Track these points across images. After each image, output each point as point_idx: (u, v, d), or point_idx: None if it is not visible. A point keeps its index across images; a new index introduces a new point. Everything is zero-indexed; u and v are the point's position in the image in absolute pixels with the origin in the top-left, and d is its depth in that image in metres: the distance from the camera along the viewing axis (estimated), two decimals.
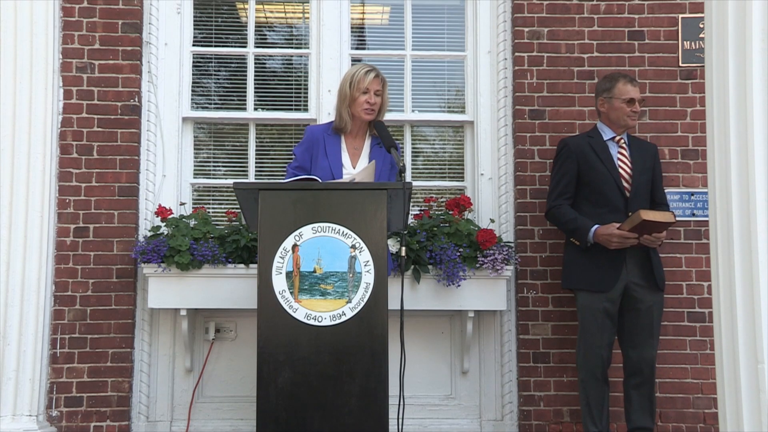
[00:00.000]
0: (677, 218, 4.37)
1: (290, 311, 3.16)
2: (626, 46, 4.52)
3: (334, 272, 3.19)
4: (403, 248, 3.34)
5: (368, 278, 3.18)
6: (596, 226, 3.88)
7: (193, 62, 4.66)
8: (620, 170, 3.99)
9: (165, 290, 4.15)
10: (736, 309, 2.53)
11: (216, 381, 4.34)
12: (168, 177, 4.48)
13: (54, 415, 4.20)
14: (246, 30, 4.72)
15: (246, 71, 4.67)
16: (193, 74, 4.65)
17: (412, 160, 4.70)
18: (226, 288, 4.14)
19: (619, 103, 4.02)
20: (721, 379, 2.60)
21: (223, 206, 4.55)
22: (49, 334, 4.19)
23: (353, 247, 3.20)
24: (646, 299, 3.91)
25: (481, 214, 4.48)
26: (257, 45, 4.73)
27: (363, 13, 4.80)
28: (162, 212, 4.23)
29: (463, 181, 4.65)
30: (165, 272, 4.12)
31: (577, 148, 4.03)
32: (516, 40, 4.52)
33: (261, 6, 4.75)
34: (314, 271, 3.19)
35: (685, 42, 4.53)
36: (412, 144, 4.71)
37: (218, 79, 4.78)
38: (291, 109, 4.68)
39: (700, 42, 4.47)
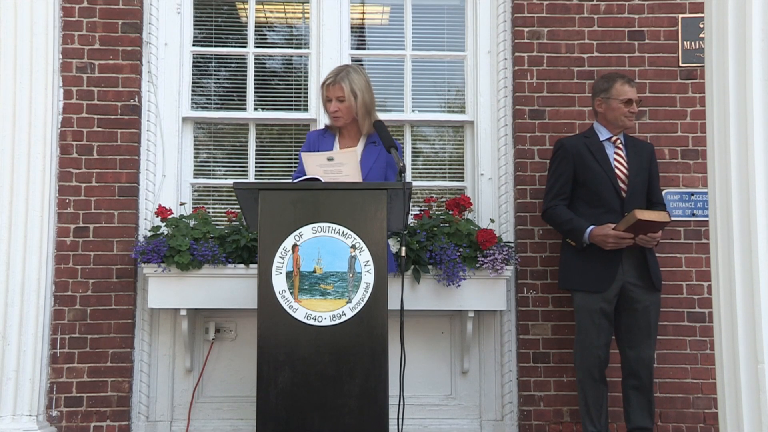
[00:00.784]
0: (677, 218, 4.39)
1: (290, 311, 3.16)
2: (626, 46, 4.52)
3: (334, 272, 3.19)
4: (403, 248, 3.34)
5: (368, 278, 3.18)
6: (591, 226, 3.89)
7: (193, 62, 4.66)
8: (616, 171, 3.99)
9: (165, 290, 4.15)
10: (736, 309, 2.53)
11: (216, 381, 4.34)
12: (168, 177, 4.48)
13: (54, 415, 4.20)
14: (246, 30, 4.72)
15: (246, 71, 4.67)
16: (193, 74, 4.65)
17: (412, 160, 4.70)
18: (226, 288, 4.14)
19: (616, 104, 4.02)
20: (721, 379, 2.60)
21: (223, 206, 4.55)
22: (49, 334, 4.19)
23: (353, 247, 3.20)
24: (643, 299, 3.91)
25: (481, 214, 4.48)
26: (257, 45, 4.73)
27: (363, 13, 4.80)
28: (162, 212, 4.23)
29: (463, 181, 4.65)
30: (165, 272, 4.12)
31: (573, 148, 4.03)
32: (516, 40, 4.52)
33: (261, 6, 4.75)
34: (314, 271, 3.19)
35: (685, 42, 4.53)
36: (412, 144, 4.71)
37: (218, 79, 4.78)
38: (291, 109, 4.69)
39: (700, 42, 4.47)
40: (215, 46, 4.72)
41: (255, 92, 4.66)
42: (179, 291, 4.14)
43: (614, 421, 4.14)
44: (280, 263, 3.18)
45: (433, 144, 4.83)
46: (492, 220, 4.40)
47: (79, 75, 4.40)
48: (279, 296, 3.17)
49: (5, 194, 4.05)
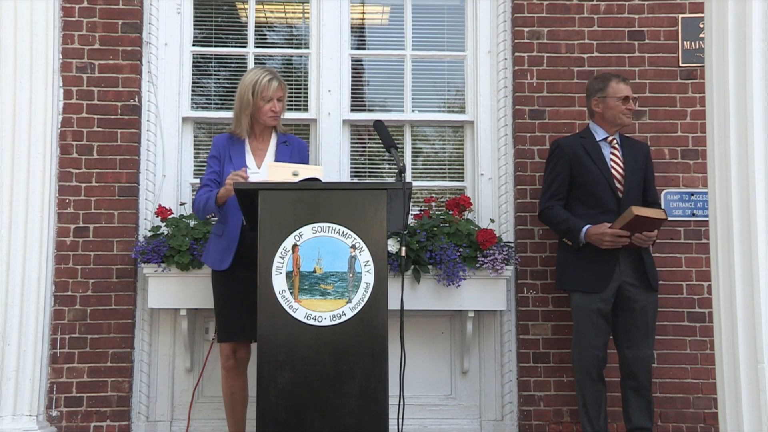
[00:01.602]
0: (677, 218, 4.39)
1: (290, 311, 3.16)
2: (626, 46, 4.52)
3: (334, 272, 3.19)
4: (403, 248, 3.34)
5: (368, 278, 3.18)
6: (588, 226, 3.89)
7: (193, 62, 4.66)
8: (613, 171, 3.99)
9: (165, 290, 4.15)
10: (736, 309, 2.53)
11: (216, 381, 4.32)
12: (168, 177, 4.48)
13: (54, 415, 4.20)
14: (246, 30, 4.72)
15: (246, 71, 4.66)
16: (193, 74, 4.65)
17: (412, 160, 4.70)
18: None
19: (614, 102, 4.02)
20: (721, 379, 2.61)
21: None
22: (49, 334, 4.19)
23: (353, 247, 3.20)
24: (640, 299, 3.91)
25: (481, 214, 4.48)
26: (257, 45, 4.73)
27: (363, 13, 4.80)
28: (162, 212, 4.23)
29: (463, 181, 4.65)
30: (165, 272, 4.12)
31: (570, 149, 4.03)
32: (516, 40, 4.52)
33: (261, 6, 4.75)
34: (314, 271, 3.19)
35: (685, 42, 4.53)
36: (412, 144, 4.71)
37: (218, 79, 4.78)
38: (291, 109, 4.68)
39: (700, 42, 4.47)
40: (215, 46, 4.72)
41: None
42: (179, 291, 4.14)
43: (614, 421, 4.14)
44: (280, 263, 3.18)
45: (433, 144, 4.83)
46: (492, 220, 4.40)
47: (79, 75, 4.40)
48: (279, 296, 3.17)
49: (5, 194, 4.05)
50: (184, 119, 4.57)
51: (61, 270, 4.28)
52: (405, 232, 3.46)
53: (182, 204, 4.41)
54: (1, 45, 4.11)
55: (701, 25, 4.47)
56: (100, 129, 4.38)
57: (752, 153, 2.52)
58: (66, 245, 4.29)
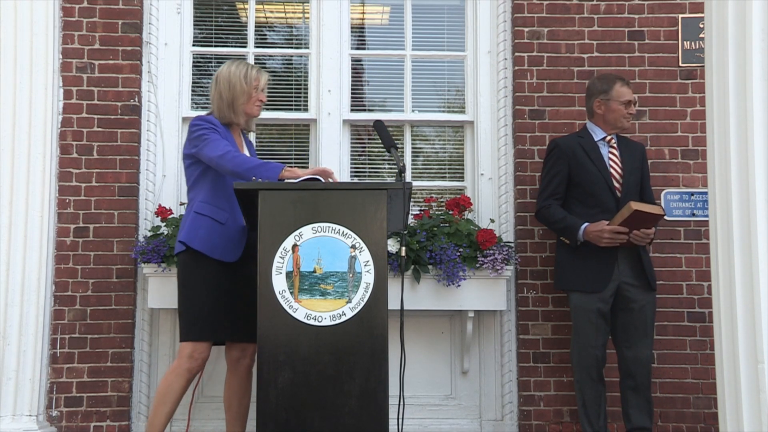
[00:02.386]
0: (678, 218, 4.39)
1: (290, 311, 3.16)
2: (626, 46, 4.52)
3: (334, 272, 3.19)
4: (403, 248, 3.34)
5: (368, 278, 3.18)
6: (586, 224, 3.89)
7: (193, 62, 4.66)
8: (611, 170, 3.99)
9: (165, 290, 4.14)
10: (736, 309, 2.53)
11: (216, 381, 4.33)
12: (168, 177, 4.48)
13: (54, 415, 4.20)
14: (246, 30, 4.72)
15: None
16: (193, 74, 4.65)
17: (412, 160, 4.70)
18: None
19: (617, 105, 4.01)
20: (721, 379, 2.61)
21: None
22: (49, 334, 4.19)
23: (353, 247, 3.20)
24: (639, 299, 3.91)
25: (481, 214, 4.48)
26: (257, 45, 4.73)
27: (363, 13, 4.80)
28: (162, 212, 4.23)
29: (463, 181, 4.65)
30: (165, 272, 4.12)
31: (568, 149, 4.03)
32: (516, 40, 4.52)
33: (261, 6, 4.75)
34: (314, 271, 3.19)
35: (685, 42, 4.53)
36: (412, 144, 4.71)
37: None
38: (291, 109, 4.69)
39: (700, 42, 4.47)
40: (215, 46, 4.72)
41: None
42: None
43: (614, 421, 4.14)
44: (280, 263, 3.18)
45: (433, 144, 4.83)
46: (492, 220, 4.40)
47: (79, 75, 4.40)
48: (279, 296, 3.17)
49: (5, 194, 4.06)
50: (184, 119, 4.56)
51: (61, 270, 4.28)
52: (405, 232, 3.46)
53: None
54: (1, 45, 4.11)
55: (701, 25, 4.47)
56: (100, 129, 4.38)
57: (752, 153, 2.52)
58: (66, 245, 4.29)
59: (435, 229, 4.25)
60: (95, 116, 4.38)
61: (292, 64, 4.79)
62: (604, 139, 4.06)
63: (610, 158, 4.02)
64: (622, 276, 3.90)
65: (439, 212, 4.36)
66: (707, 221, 3.62)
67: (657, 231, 4.00)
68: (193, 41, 4.67)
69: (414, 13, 4.73)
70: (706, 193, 4.31)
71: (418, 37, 4.73)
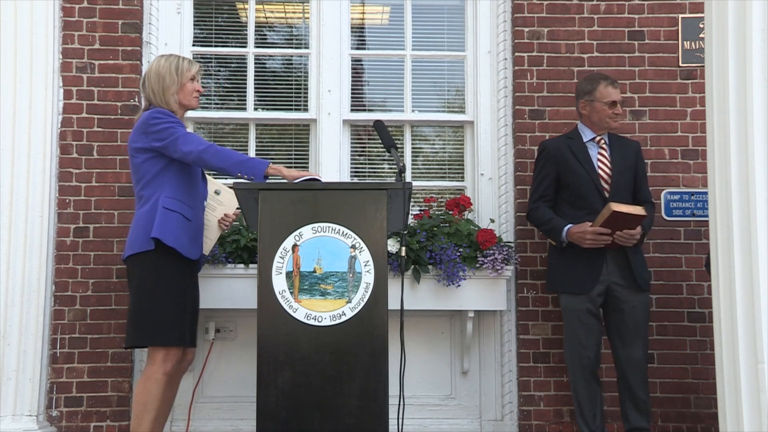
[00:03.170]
0: (678, 218, 4.39)
1: (290, 311, 3.16)
2: (626, 46, 4.52)
3: (334, 272, 3.19)
4: (403, 248, 3.34)
5: (368, 278, 3.18)
6: (569, 225, 3.89)
7: None
8: (599, 171, 3.98)
9: None
10: (736, 309, 2.53)
11: (216, 381, 4.34)
12: None
13: (54, 415, 4.20)
14: (246, 30, 4.72)
15: (246, 71, 4.67)
16: None
17: (412, 160, 4.70)
18: (226, 288, 4.14)
19: (600, 106, 4.01)
20: (721, 379, 2.60)
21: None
22: (49, 334, 4.19)
23: (353, 247, 3.20)
24: (629, 299, 3.90)
25: (481, 214, 4.48)
26: (257, 45, 4.73)
27: (363, 13, 4.80)
28: None
29: (463, 181, 4.65)
30: None
31: (557, 151, 4.03)
32: (516, 40, 4.52)
33: (261, 6, 4.75)
34: (314, 271, 3.19)
35: (685, 42, 4.53)
36: (412, 144, 4.71)
37: (218, 79, 4.78)
38: (291, 109, 4.69)
39: (700, 42, 4.47)
40: (215, 46, 4.72)
41: (255, 92, 4.67)
42: None
43: (614, 421, 4.14)
44: (280, 263, 3.18)
45: (433, 144, 4.83)
46: (492, 220, 4.40)
47: (79, 75, 4.40)
48: (279, 296, 3.17)
49: (5, 194, 4.06)
50: (184, 119, 4.56)
51: (61, 270, 4.28)
52: (405, 232, 3.46)
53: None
54: (1, 45, 4.11)
55: (701, 25, 4.47)
56: (100, 129, 4.38)
57: (752, 153, 2.52)
58: (66, 245, 4.29)
59: (435, 229, 4.25)
60: (95, 116, 4.38)
61: (292, 64, 4.79)
62: (593, 139, 4.05)
63: (599, 159, 4.01)
64: (611, 276, 3.90)
65: (439, 212, 4.36)
66: (707, 221, 3.62)
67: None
68: (193, 41, 4.67)
69: (414, 13, 4.73)
70: (706, 193, 4.30)
71: (418, 37, 4.73)
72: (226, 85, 4.76)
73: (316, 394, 3.12)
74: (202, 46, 4.70)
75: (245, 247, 4.17)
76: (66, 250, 4.29)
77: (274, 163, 3.45)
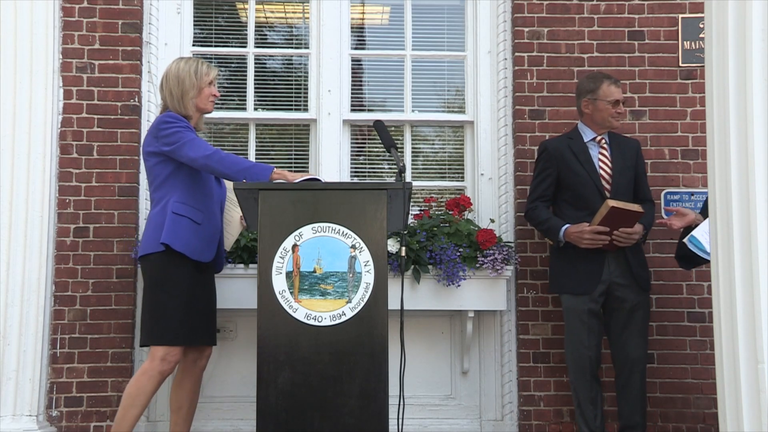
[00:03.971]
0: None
1: (290, 311, 3.16)
2: (626, 46, 4.52)
3: (334, 272, 3.19)
4: (403, 248, 3.34)
5: (368, 278, 3.18)
6: (567, 225, 3.89)
7: None
8: (600, 171, 3.98)
9: None
10: (736, 309, 2.53)
11: (216, 381, 4.34)
12: None
13: (54, 415, 4.20)
14: (246, 30, 4.72)
15: (246, 71, 4.67)
16: None
17: (412, 160, 4.70)
18: (226, 288, 4.14)
19: (603, 105, 4.00)
20: (721, 379, 2.60)
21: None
22: (49, 334, 4.19)
23: (353, 247, 3.20)
24: (630, 299, 3.91)
25: (481, 214, 4.48)
26: (257, 45, 4.73)
27: (363, 13, 4.80)
28: None
29: (463, 181, 4.65)
30: None
31: (557, 151, 4.03)
32: (516, 40, 4.52)
33: (261, 6, 4.75)
34: (314, 271, 3.19)
35: (685, 42, 4.53)
36: (412, 144, 4.71)
37: (218, 79, 4.77)
38: (291, 109, 4.69)
39: (700, 42, 4.47)
40: (215, 46, 4.72)
41: (255, 92, 4.67)
42: None
43: (614, 420, 4.14)
44: (280, 263, 3.18)
45: (433, 144, 4.83)
46: (492, 220, 4.40)
47: (79, 75, 4.40)
48: (279, 296, 3.17)
49: (5, 194, 4.06)
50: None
51: (61, 270, 4.28)
52: (405, 232, 3.46)
53: None
54: (1, 45, 4.11)
55: (701, 25, 4.47)
56: (100, 129, 4.38)
57: (752, 153, 2.52)
58: (66, 245, 4.29)
59: (435, 229, 4.25)
60: (95, 116, 4.38)
61: (292, 64, 4.79)
62: (594, 139, 4.05)
63: (599, 159, 4.01)
64: (613, 276, 3.90)
65: (439, 212, 4.36)
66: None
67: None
68: (193, 41, 4.67)
69: (414, 13, 4.73)
70: (706, 193, 4.30)
71: (418, 37, 4.73)
72: (226, 85, 4.76)
73: (316, 394, 3.12)
74: (202, 46, 4.70)
75: (245, 247, 4.17)
76: (66, 250, 4.29)
77: (274, 163, 3.45)
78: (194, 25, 4.68)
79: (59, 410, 4.21)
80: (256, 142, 4.64)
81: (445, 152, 4.79)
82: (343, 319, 3.16)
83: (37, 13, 4.19)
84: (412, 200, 3.88)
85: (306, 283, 3.18)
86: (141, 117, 4.44)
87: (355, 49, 4.75)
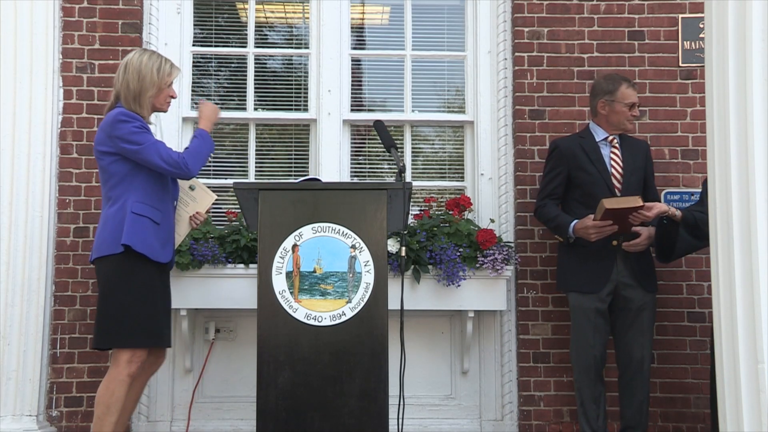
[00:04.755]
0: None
1: (290, 311, 3.16)
2: (626, 46, 4.52)
3: (334, 272, 3.19)
4: (403, 248, 3.35)
5: (368, 278, 3.18)
6: (575, 221, 3.89)
7: (193, 62, 4.66)
8: (612, 171, 3.98)
9: None
10: (736, 309, 2.52)
11: (216, 381, 4.34)
12: None
13: (54, 415, 4.20)
14: (246, 30, 4.72)
15: (246, 71, 4.67)
16: (193, 74, 4.65)
17: (412, 160, 4.70)
18: (226, 288, 4.14)
19: (621, 107, 4.00)
20: (721, 379, 2.60)
21: (223, 206, 4.54)
22: (49, 334, 4.19)
23: (353, 247, 3.20)
24: (637, 299, 3.91)
25: (481, 214, 4.48)
26: (257, 45, 4.73)
27: (363, 13, 4.80)
28: None
29: (463, 181, 4.65)
30: None
31: (568, 150, 4.02)
32: (516, 40, 4.52)
33: (261, 6, 4.75)
34: (314, 271, 3.20)
35: (685, 42, 4.53)
36: (412, 144, 4.71)
37: (218, 79, 4.78)
38: (291, 109, 4.69)
39: (700, 42, 4.48)
40: (215, 46, 4.72)
41: (255, 92, 4.67)
42: (179, 291, 4.12)
43: (614, 420, 4.14)
44: (280, 263, 3.18)
45: (433, 144, 4.83)
46: (492, 220, 4.40)
47: (79, 75, 4.40)
48: (279, 296, 3.17)
49: (5, 194, 4.06)
50: (184, 119, 4.56)
51: (61, 270, 4.28)
52: (405, 232, 3.46)
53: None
54: (1, 45, 4.11)
55: (701, 25, 4.47)
56: None
57: (752, 153, 2.52)
58: (66, 245, 4.29)
59: (435, 229, 4.25)
60: (95, 116, 4.37)
61: (292, 64, 4.79)
62: (605, 139, 4.05)
63: (611, 159, 4.01)
64: (620, 276, 3.90)
65: (439, 212, 4.36)
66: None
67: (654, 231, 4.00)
68: (193, 41, 4.67)
69: (414, 13, 4.73)
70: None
71: (418, 37, 4.73)
72: (226, 85, 4.76)
73: (316, 394, 3.12)
74: (202, 46, 4.70)
75: (245, 247, 4.17)
76: (66, 250, 4.29)
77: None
78: (194, 25, 4.68)
79: (59, 410, 4.21)
80: (256, 142, 4.64)
81: (445, 152, 4.79)
82: (343, 319, 3.16)
83: (37, 13, 4.20)
84: (412, 200, 3.88)
85: (306, 283, 3.18)
86: None
87: (355, 49, 4.75)
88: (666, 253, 3.92)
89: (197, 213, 3.73)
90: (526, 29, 4.52)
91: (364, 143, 4.73)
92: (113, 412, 3.38)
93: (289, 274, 3.18)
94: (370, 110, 4.72)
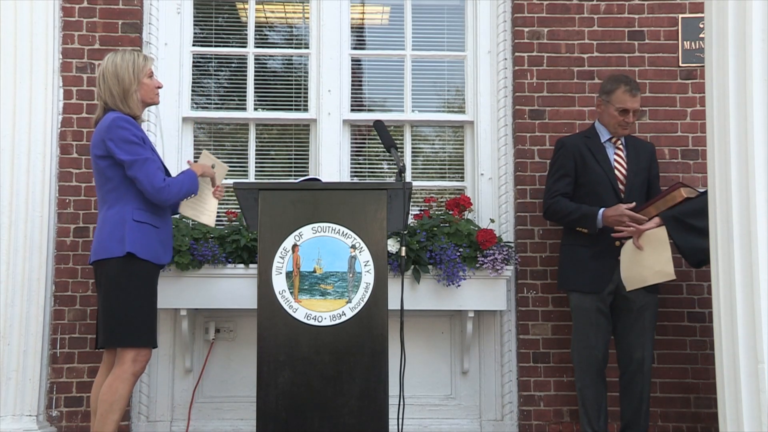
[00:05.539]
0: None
1: (290, 311, 3.16)
2: (626, 46, 4.52)
3: (334, 272, 3.19)
4: (403, 248, 3.34)
5: (368, 278, 3.18)
6: (603, 209, 3.86)
7: (193, 62, 4.66)
8: (616, 171, 3.98)
9: (165, 290, 4.13)
10: (736, 309, 2.53)
11: (216, 381, 4.34)
12: None
13: (54, 415, 4.20)
14: (246, 30, 4.72)
15: (246, 71, 4.67)
16: (193, 74, 4.65)
17: (412, 160, 4.70)
18: (226, 288, 4.14)
19: (612, 111, 3.99)
20: (721, 379, 2.60)
21: (223, 206, 4.54)
22: (49, 334, 4.19)
23: (353, 247, 3.20)
24: (638, 300, 3.90)
25: (481, 214, 4.48)
26: (257, 45, 4.73)
27: (363, 13, 4.80)
28: None
29: (463, 181, 4.65)
30: (165, 272, 4.11)
31: (574, 147, 4.03)
32: (516, 40, 4.52)
33: (261, 6, 4.75)
34: (314, 271, 3.20)
35: (685, 42, 4.53)
36: (412, 144, 4.71)
37: (218, 79, 4.78)
38: (291, 109, 4.69)
39: (700, 42, 4.48)
40: (215, 46, 4.72)
41: (255, 92, 4.66)
42: (179, 291, 4.14)
43: (615, 420, 4.14)
44: (280, 263, 3.18)
45: (433, 144, 4.83)
46: (492, 220, 4.40)
47: (79, 75, 4.40)
48: (279, 296, 3.17)
49: (5, 194, 4.06)
50: (184, 119, 4.57)
51: (61, 270, 4.28)
52: (405, 232, 3.46)
53: None
54: (1, 45, 4.11)
55: (701, 25, 4.47)
56: None
57: (752, 153, 2.52)
58: (66, 245, 4.29)
59: (435, 229, 4.25)
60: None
61: (292, 64, 4.79)
62: (610, 139, 4.05)
63: (615, 159, 4.01)
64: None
65: (439, 212, 4.36)
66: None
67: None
68: (193, 41, 4.67)
69: (414, 13, 4.73)
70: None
71: (418, 37, 4.73)
72: (226, 85, 4.76)
73: (316, 394, 3.12)
74: (202, 46, 4.70)
75: (245, 247, 4.17)
76: (66, 250, 4.29)
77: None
78: (194, 25, 4.68)
79: (59, 410, 4.21)
80: (256, 142, 4.64)
81: (445, 152, 4.79)
82: (343, 319, 3.17)
83: (37, 13, 4.20)
84: (412, 200, 3.88)
85: (306, 283, 3.18)
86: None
87: (355, 49, 4.75)
88: (686, 255, 3.89)
89: (217, 187, 3.70)
90: (526, 29, 4.52)
91: (364, 143, 4.73)
92: (116, 410, 3.39)
93: (289, 274, 3.18)
94: (370, 110, 4.73)
